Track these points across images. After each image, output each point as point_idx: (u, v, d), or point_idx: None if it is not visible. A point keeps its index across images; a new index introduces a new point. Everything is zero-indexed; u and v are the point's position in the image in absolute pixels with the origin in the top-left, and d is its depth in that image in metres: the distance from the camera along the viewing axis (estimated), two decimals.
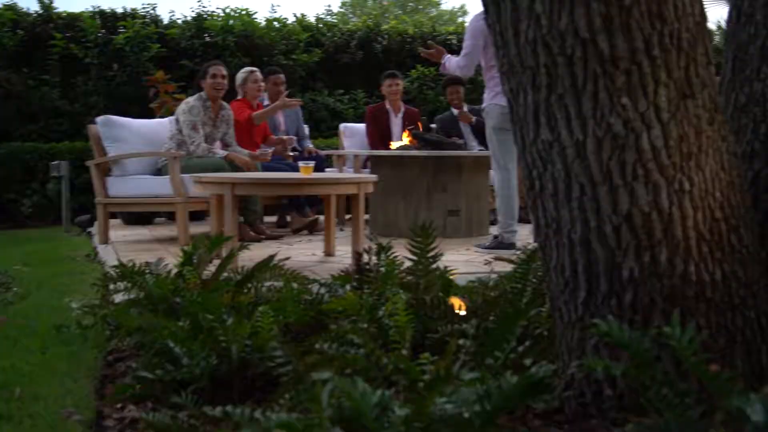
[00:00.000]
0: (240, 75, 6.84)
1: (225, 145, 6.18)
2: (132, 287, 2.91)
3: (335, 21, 11.76)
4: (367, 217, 7.57)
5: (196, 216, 6.90)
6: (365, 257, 2.95)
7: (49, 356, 2.65)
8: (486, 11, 1.97)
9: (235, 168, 5.70)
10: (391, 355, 1.79)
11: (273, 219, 7.17)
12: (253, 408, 1.48)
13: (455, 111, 8.14)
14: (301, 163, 4.69)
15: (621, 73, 1.76)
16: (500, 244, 5.24)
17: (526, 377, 1.37)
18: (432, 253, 2.52)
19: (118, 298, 3.07)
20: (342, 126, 8.21)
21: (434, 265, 2.56)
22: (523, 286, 2.40)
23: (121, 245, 5.58)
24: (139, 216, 7.22)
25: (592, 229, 1.86)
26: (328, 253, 4.86)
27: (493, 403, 1.36)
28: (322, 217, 6.48)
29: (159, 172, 5.97)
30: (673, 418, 1.32)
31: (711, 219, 1.86)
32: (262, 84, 6.78)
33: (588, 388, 1.94)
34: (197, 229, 6.12)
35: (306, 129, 7.75)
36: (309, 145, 7.46)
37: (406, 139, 6.68)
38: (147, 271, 2.84)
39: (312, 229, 6.35)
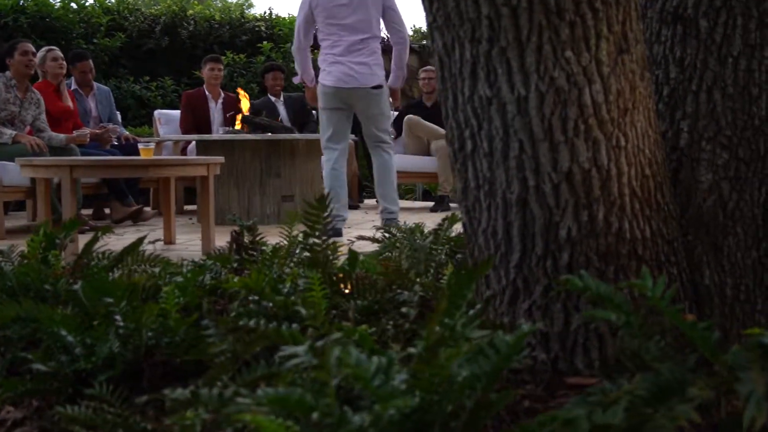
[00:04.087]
0: (38, 55, 6.39)
1: (38, 131, 5.73)
2: None
3: (138, 5, 11.21)
4: (193, 207, 7.28)
5: None
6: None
7: None
8: None
9: (34, 153, 5.27)
10: (337, 325, 1.66)
11: (88, 212, 6.71)
12: (222, 388, 1.31)
13: (272, 98, 7.99)
14: (141, 145, 4.40)
15: (566, 26, 1.72)
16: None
17: (521, 334, 1.29)
18: (329, 225, 2.40)
19: None
20: (156, 113, 7.84)
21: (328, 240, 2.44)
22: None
23: None
24: None
25: (530, 188, 1.81)
26: (169, 241, 4.58)
27: (494, 362, 1.27)
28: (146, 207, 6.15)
29: None
30: (672, 368, 1.28)
31: (641, 176, 1.87)
32: (63, 62, 6.35)
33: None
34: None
35: (118, 116, 7.33)
36: (124, 131, 7.06)
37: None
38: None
39: (136, 218, 6.00)
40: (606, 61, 1.76)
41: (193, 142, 6.90)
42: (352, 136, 7.90)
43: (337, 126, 5.17)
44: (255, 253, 2.63)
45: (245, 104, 6.25)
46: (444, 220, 2.68)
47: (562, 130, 1.76)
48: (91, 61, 7.04)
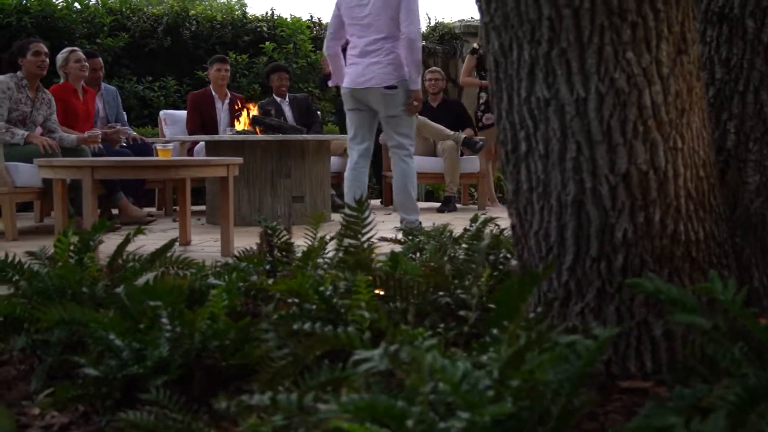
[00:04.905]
0: (60, 56, 6.36)
1: (49, 131, 5.68)
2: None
3: (139, 4, 11.16)
4: (199, 207, 7.24)
5: None
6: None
7: None
8: None
9: (46, 154, 5.23)
10: (399, 330, 1.64)
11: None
12: (301, 394, 1.28)
13: (278, 98, 7.95)
14: (159, 146, 4.37)
15: (627, 26, 1.71)
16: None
17: (604, 338, 1.27)
18: (370, 227, 2.37)
19: None
20: (162, 113, 7.79)
21: (368, 241, 2.41)
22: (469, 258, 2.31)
23: None
24: None
25: (586, 190, 1.80)
26: (185, 242, 4.55)
27: (579, 366, 1.25)
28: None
29: None
30: (758, 372, 1.26)
31: (696, 177, 1.85)
32: (86, 64, 6.31)
33: None
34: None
35: (125, 116, 7.29)
36: (132, 132, 7.01)
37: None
38: (31, 261, 2.49)
39: (145, 221, 5.95)
40: (666, 62, 1.75)
41: (201, 143, 6.86)
42: None
43: (357, 126, 5.14)
44: (287, 255, 2.60)
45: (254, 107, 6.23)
46: (484, 222, 2.65)
47: (621, 131, 1.75)
48: (101, 59, 6.99)
